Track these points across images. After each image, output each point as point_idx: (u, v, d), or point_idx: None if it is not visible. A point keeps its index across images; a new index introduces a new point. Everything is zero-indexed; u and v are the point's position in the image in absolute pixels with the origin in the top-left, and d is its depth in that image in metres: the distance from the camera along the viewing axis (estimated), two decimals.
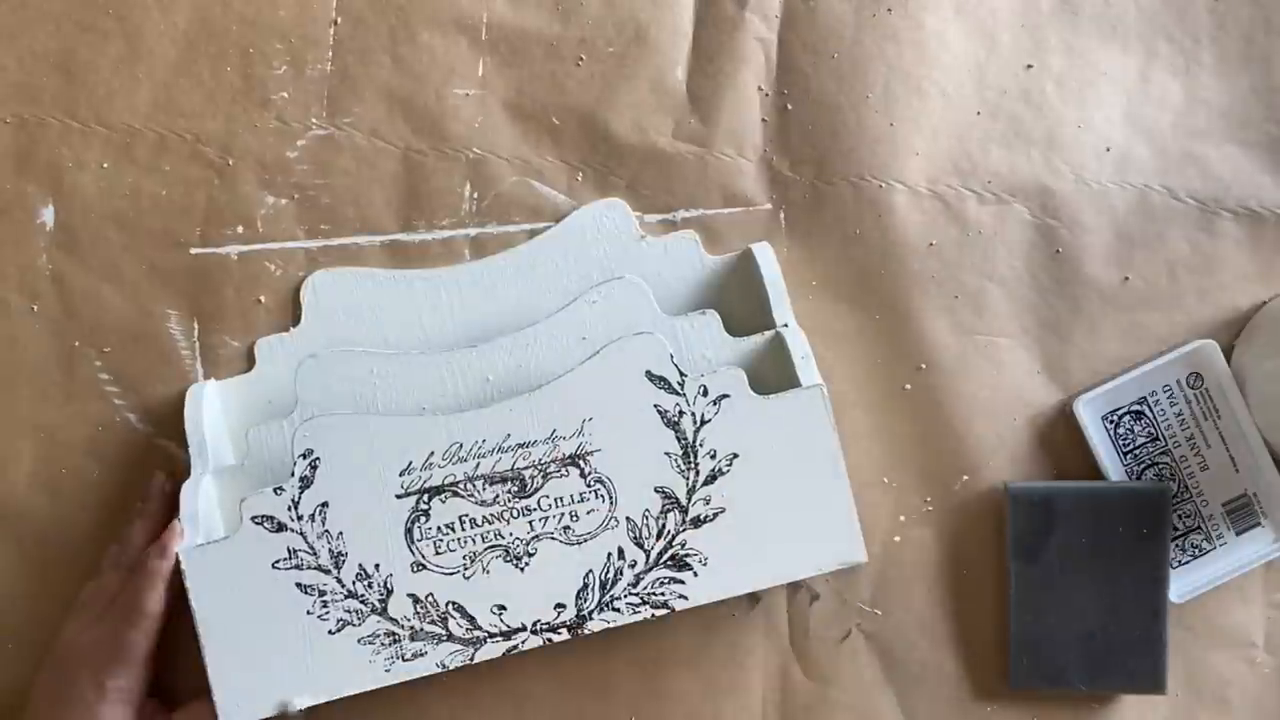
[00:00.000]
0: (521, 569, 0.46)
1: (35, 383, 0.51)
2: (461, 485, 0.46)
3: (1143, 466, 0.52)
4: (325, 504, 0.46)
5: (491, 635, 0.46)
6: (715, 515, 0.46)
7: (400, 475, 0.46)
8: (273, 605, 0.45)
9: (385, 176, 0.52)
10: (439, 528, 0.46)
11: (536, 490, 0.46)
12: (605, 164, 0.53)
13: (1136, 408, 0.52)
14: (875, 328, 0.52)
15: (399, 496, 0.46)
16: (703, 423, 0.46)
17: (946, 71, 0.53)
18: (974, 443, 0.52)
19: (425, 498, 0.46)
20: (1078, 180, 0.53)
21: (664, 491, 0.46)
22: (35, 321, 0.51)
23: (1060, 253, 0.53)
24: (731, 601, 0.50)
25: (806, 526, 0.46)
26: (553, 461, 0.46)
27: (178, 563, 0.45)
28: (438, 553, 0.46)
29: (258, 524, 0.45)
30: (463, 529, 0.46)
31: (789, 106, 0.53)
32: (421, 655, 0.46)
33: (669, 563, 0.46)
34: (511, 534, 0.46)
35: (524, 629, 0.46)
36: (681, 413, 0.46)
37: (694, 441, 0.46)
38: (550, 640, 0.46)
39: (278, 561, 0.45)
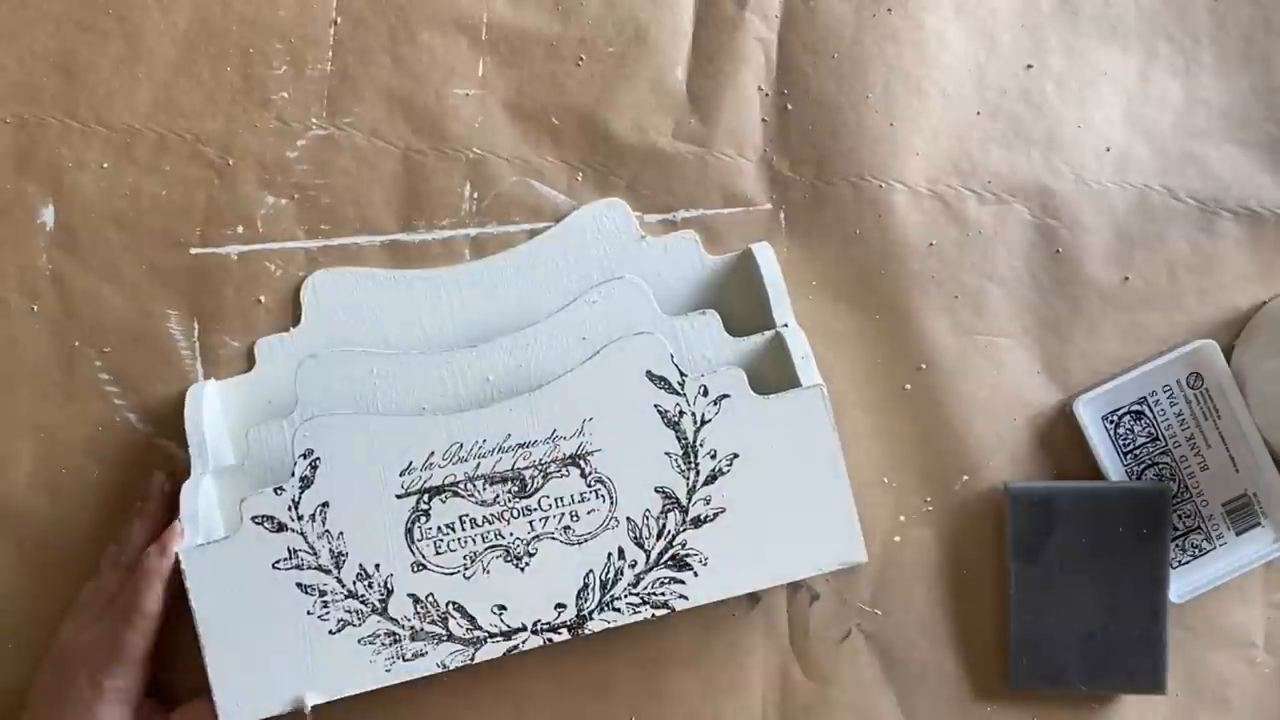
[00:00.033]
0: (522, 569, 0.46)
1: (35, 383, 0.51)
2: (462, 485, 0.46)
3: (1143, 466, 0.52)
4: (325, 504, 0.46)
5: (492, 635, 0.46)
6: (715, 515, 0.46)
7: (400, 475, 0.46)
8: (273, 605, 0.45)
9: (385, 176, 0.52)
10: (439, 528, 0.46)
11: (537, 490, 0.46)
12: (605, 164, 0.53)
13: (1136, 408, 0.52)
14: (875, 328, 0.52)
15: (399, 496, 0.46)
16: (703, 423, 0.46)
17: (946, 71, 0.53)
18: (974, 443, 0.52)
19: (425, 498, 0.46)
20: (1078, 180, 0.53)
21: (664, 491, 0.46)
22: (35, 321, 0.51)
23: (1060, 253, 0.53)
24: (731, 601, 0.50)
25: (806, 526, 0.46)
26: (553, 461, 0.46)
27: (177, 562, 0.45)
28: (438, 553, 0.46)
29: (258, 524, 0.45)
30: (463, 529, 0.46)
31: (789, 106, 0.53)
32: (422, 655, 0.46)
33: (669, 563, 0.46)
34: (512, 534, 0.46)
35: (524, 629, 0.46)
36: (682, 413, 0.46)
37: (694, 441, 0.46)
38: (550, 640, 0.46)
39: (278, 561, 0.45)
